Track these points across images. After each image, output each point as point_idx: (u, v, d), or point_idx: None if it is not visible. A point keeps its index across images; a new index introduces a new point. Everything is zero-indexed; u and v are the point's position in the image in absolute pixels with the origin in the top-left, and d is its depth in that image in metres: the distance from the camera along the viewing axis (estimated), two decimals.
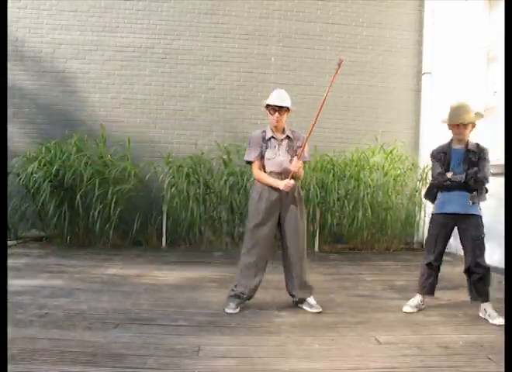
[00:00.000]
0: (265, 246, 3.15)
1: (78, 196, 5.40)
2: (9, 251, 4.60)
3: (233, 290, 3.16)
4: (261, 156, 3.17)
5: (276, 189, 3.09)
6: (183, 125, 6.49)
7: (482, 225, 3.14)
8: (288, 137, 3.23)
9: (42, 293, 3.40)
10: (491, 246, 4.78)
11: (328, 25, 6.69)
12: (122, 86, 6.43)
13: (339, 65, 3.04)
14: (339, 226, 5.98)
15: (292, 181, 3.08)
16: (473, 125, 3.16)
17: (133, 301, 3.28)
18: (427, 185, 3.49)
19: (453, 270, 4.70)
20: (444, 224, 3.21)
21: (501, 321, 2.88)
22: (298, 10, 6.66)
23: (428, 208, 6.22)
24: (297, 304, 3.26)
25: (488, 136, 5.27)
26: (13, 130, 6.05)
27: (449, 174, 3.13)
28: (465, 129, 3.11)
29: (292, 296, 3.26)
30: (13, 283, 3.56)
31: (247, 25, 6.59)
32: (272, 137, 3.19)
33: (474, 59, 5.50)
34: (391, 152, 6.03)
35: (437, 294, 3.31)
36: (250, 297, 3.19)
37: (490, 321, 2.97)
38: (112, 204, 5.43)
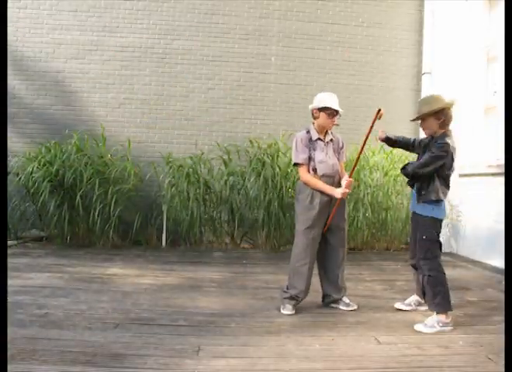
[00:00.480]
0: (315, 248, 3.17)
1: (78, 196, 5.40)
2: (9, 251, 4.60)
3: (285, 291, 3.16)
4: (309, 158, 3.12)
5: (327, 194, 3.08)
6: (183, 125, 6.49)
7: (429, 226, 2.91)
8: (331, 139, 3.23)
9: (42, 293, 3.40)
10: (490, 245, 4.80)
11: (328, 25, 6.69)
12: (122, 86, 6.44)
13: (376, 114, 3.11)
14: None
15: (348, 190, 3.08)
16: (438, 117, 2.92)
17: (133, 301, 3.28)
18: None
19: (454, 271, 4.71)
20: (411, 221, 3.17)
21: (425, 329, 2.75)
22: (298, 10, 6.66)
23: None
24: (329, 303, 3.27)
25: (488, 136, 5.27)
26: (13, 130, 6.06)
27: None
28: (423, 123, 3.00)
29: (328, 296, 3.26)
30: (13, 283, 3.56)
31: (247, 25, 6.59)
32: (319, 139, 3.16)
33: (474, 59, 5.50)
34: (391, 152, 6.03)
35: None
36: (303, 299, 3.19)
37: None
38: (112, 204, 5.43)
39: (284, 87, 6.63)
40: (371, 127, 3.12)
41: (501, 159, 4.55)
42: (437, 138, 2.95)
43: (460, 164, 5.59)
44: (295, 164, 3.19)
